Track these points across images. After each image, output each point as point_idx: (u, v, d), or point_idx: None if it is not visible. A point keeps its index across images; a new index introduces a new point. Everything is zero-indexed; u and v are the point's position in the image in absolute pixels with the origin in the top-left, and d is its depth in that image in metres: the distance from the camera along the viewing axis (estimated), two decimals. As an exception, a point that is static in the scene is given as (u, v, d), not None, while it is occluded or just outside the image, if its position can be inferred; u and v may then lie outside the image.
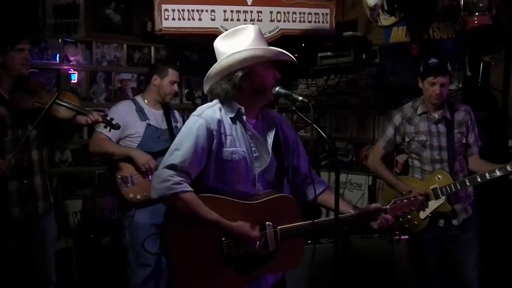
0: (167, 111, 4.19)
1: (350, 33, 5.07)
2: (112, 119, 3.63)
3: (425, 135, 3.78)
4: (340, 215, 2.51)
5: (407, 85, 4.96)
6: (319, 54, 5.20)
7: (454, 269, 3.83)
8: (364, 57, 5.04)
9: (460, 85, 4.59)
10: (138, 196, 3.87)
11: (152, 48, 5.72)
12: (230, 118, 2.53)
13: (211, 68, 2.51)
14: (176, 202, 2.39)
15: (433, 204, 3.71)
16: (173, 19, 4.28)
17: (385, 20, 5.03)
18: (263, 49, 2.48)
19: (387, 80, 5.12)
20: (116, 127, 3.66)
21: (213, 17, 4.29)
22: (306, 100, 2.47)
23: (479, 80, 4.33)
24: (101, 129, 3.90)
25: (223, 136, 2.50)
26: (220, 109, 2.54)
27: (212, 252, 2.47)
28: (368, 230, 3.81)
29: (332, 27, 4.65)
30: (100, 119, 3.51)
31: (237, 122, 2.55)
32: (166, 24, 4.28)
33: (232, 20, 4.30)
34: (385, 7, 4.78)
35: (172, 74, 4.12)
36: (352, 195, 5.43)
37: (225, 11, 4.30)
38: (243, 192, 2.54)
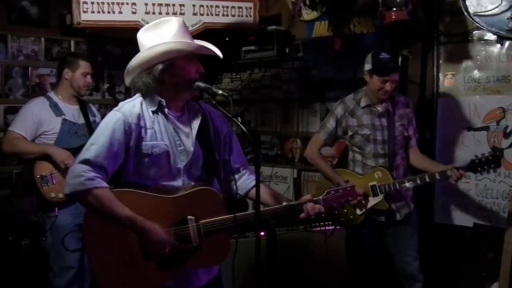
0: (83, 105, 4.08)
1: (274, 27, 5.10)
2: None
3: (369, 128, 3.75)
4: (267, 208, 2.52)
5: (329, 79, 5.08)
6: (243, 48, 5.19)
7: (396, 262, 3.87)
8: (287, 51, 5.07)
9: (380, 78, 4.72)
10: (60, 195, 3.76)
11: (72, 42, 5.52)
12: (152, 111, 2.49)
13: (131, 61, 2.46)
14: (88, 198, 2.33)
15: (370, 201, 3.69)
16: (92, 12, 4.13)
17: (308, 14, 5.12)
18: (184, 43, 2.45)
19: (310, 74, 5.20)
20: None
21: (134, 10, 4.19)
22: (225, 94, 2.45)
23: (398, 73, 4.45)
24: (14, 127, 3.75)
25: (143, 129, 2.45)
26: (141, 103, 2.49)
27: (132, 247, 2.40)
28: (297, 222, 3.88)
29: (255, 21, 4.65)
30: None
31: (160, 114, 2.50)
32: (85, 17, 4.13)
33: (154, 13, 4.21)
34: (307, 2, 4.86)
35: (83, 66, 4.02)
36: (277, 188, 5.47)
37: (146, 4, 4.21)
38: (167, 186, 2.49)
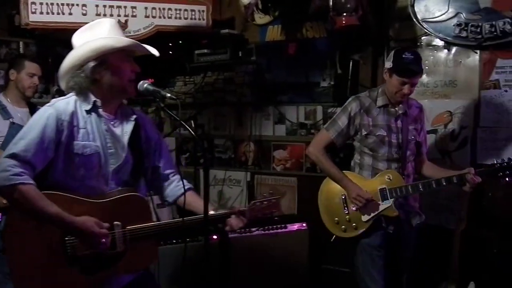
0: (33, 108, 3.99)
1: (227, 31, 5.10)
2: None
3: (384, 130, 3.42)
4: (193, 216, 2.53)
5: (282, 82, 5.11)
6: (196, 52, 5.17)
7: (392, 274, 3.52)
8: (240, 54, 5.09)
9: (332, 83, 4.79)
10: (4, 201, 3.64)
11: (21, 43, 5.39)
12: (86, 110, 2.42)
13: (63, 62, 2.41)
14: (14, 194, 2.24)
15: (379, 206, 3.38)
16: (41, 13, 4.06)
17: (260, 18, 5.14)
18: (114, 38, 2.41)
19: (263, 78, 5.22)
20: None
21: (84, 12, 4.13)
22: (174, 97, 2.43)
23: (349, 77, 4.53)
24: None
25: (75, 128, 2.38)
26: (75, 101, 2.43)
27: (54, 251, 2.33)
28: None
29: (208, 24, 4.65)
30: None
31: (93, 115, 2.43)
32: (34, 18, 4.05)
33: (105, 15, 4.16)
34: (260, 6, 4.88)
35: (29, 66, 3.94)
36: (231, 191, 5.48)
37: (97, 5, 4.16)
38: (93, 189, 2.43)
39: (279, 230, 4.24)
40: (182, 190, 2.59)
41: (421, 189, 3.34)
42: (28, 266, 2.32)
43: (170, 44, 4.72)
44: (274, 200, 2.68)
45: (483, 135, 4.07)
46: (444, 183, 3.30)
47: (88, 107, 2.42)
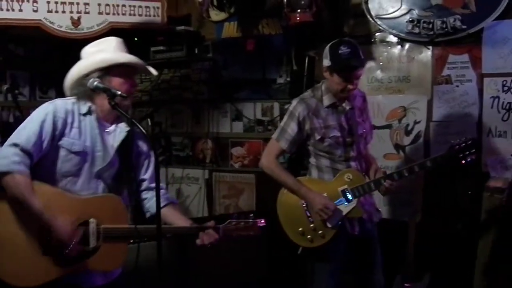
0: None
1: (183, 27, 5.08)
2: None
3: (337, 130, 3.24)
4: (167, 225, 2.60)
5: (239, 79, 5.12)
6: (152, 49, 5.14)
7: (361, 279, 3.42)
8: (196, 51, 5.07)
9: (288, 79, 4.81)
10: None
11: (-30, 41, 5.25)
12: (82, 113, 2.56)
13: (70, 70, 2.57)
14: (8, 180, 2.37)
15: (343, 209, 3.19)
16: (-9, 9, 3.96)
17: (216, 15, 5.13)
18: (119, 53, 2.59)
19: (220, 75, 5.21)
20: None
21: (35, 9, 4.05)
22: (124, 95, 2.48)
23: (305, 73, 4.56)
24: None
25: (68, 126, 2.52)
26: (74, 103, 2.57)
27: (33, 237, 2.42)
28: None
29: (163, 21, 4.63)
30: None
31: (88, 118, 2.57)
32: (-17, 14, 3.95)
33: (56, 12, 4.10)
34: (215, 3, 4.87)
35: None
36: (189, 189, 5.46)
37: (48, 2, 4.08)
38: (76, 186, 2.54)
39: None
40: (163, 203, 2.66)
41: (385, 184, 3.19)
42: (6, 246, 2.40)
43: (135, 39, 4.69)
44: (253, 223, 2.68)
45: (436, 130, 4.15)
46: (406, 174, 3.19)
47: (84, 110, 2.56)
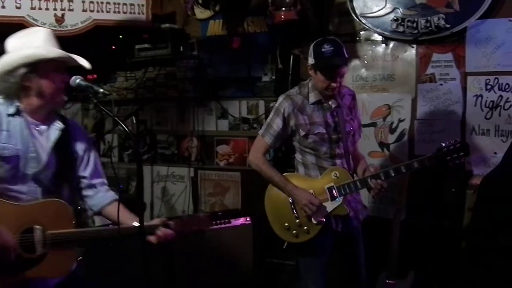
0: None
1: (168, 25, 5.06)
2: None
3: (322, 127, 3.27)
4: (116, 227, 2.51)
5: (224, 77, 5.11)
6: (137, 46, 5.11)
7: (351, 270, 3.45)
8: (181, 49, 5.05)
9: (273, 77, 4.81)
10: None
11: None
12: (9, 114, 2.45)
13: None
14: None
15: (328, 206, 3.23)
16: (-30, 5, 3.91)
17: (201, 13, 5.13)
18: (46, 48, 2.44)
19: (205, 73, 5.20)
20: None
21: (18, 5, 3.99)
22: (107, 93, 2.43)
23: (290, 72, 4.57)
24: None
25: None
26: (0, 105, 2.46)
27: None
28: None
29: (148, 18, 4.60)
30: None
31: (17, 118, 2.46)
32: (-38, 11, 3.90)
33: (40, 9, 4.05)
34: (200, 1, 4.86)
35: None
36: (175, 187, 5.44)
37: (32, -2, 4.04)
38: (14, 191, 2.44)
39: (223, 226, 4.23)
40: (108, 201, 2.65)
41: (371, 183, 3.20)
42: None
43: (120, 36, 4.65)
44: (203, 217, 2.73)
45: (420, 128, 4.18)
46: (393, 174, 3.21)
47: (12, 110, 2.45)
